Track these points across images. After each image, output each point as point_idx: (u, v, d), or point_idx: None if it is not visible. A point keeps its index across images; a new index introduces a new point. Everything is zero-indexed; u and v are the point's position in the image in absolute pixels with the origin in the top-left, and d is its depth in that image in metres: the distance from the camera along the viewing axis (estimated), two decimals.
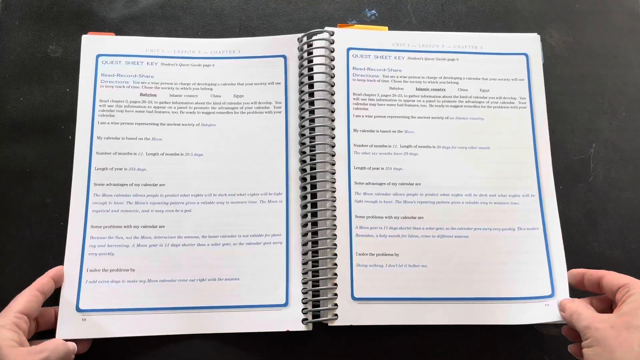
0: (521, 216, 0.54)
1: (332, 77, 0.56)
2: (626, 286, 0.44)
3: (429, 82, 0.57)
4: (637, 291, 0.43)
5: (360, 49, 0.58)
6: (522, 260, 0.53)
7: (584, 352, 0.43)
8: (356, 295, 0.51)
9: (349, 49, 0.57)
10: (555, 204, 0.55)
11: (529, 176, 0.55)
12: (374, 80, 0.57)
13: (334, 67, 0.56)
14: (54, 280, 0.49)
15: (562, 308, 0.49)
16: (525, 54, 0.59)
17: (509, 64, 0.59)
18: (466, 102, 0.57)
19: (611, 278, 0.46)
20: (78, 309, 0.50)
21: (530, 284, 0.52)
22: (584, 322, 0.44)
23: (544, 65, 0.59)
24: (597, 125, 0.59)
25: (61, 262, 0.51)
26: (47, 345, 0.45)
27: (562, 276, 0.52)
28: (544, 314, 0.51)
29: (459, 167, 0.55)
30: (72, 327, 0.49)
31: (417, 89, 0.57)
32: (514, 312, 0.51)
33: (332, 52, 0.57)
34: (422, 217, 0.53)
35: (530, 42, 0.60)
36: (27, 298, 0.46)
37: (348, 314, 0.50)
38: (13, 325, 0.44)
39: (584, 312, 0.45)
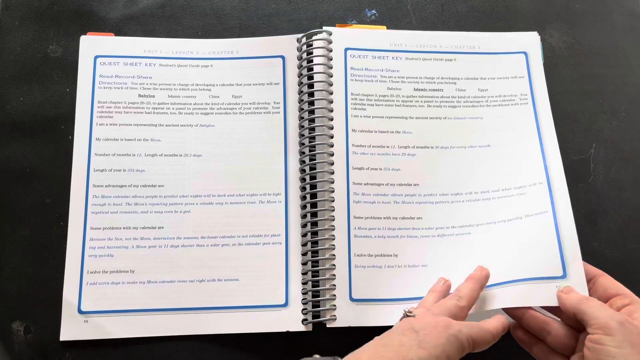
0: (529, 204, 0.52)
1: (331, 76, 0.56)
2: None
3: (426, 83, 0.57)
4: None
5: (357, 49, 0.57)
6: (532, 245, 0.50)
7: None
8: (354, 296, 0.51)
9: (346, 49, 0.57)
10: (565, 186, 0.52)
11: (535, 166, 0.54)
12: (372, 81, 0.57)
13: (332, 66, 0.56)
14: None
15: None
16: (525, 52, 0.59)
17: (508, 63, 0.58)
18: (464, 102, 0.57)
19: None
20: (80, 311, 0.50)
21: (540, 265, 0.49)
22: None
23: (544, 65, 0.59)
24: (597, 125, 0.59)
25: (61, 262, 0.51)
26: None
27: (575, 258, 0.49)
28: (554, 298, 0.47)
29: (458, 167, 0.55)
30: (74, 329, 0.50)
31: (415, 89, 0.57)
32: (523, 293, 0.47)
33: (330, 51, 0.57)
34: (421, 218, 0.53)
35: (528, 40, 0.59)
36: None
37: (346, 315, 0.50)
38: None
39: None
